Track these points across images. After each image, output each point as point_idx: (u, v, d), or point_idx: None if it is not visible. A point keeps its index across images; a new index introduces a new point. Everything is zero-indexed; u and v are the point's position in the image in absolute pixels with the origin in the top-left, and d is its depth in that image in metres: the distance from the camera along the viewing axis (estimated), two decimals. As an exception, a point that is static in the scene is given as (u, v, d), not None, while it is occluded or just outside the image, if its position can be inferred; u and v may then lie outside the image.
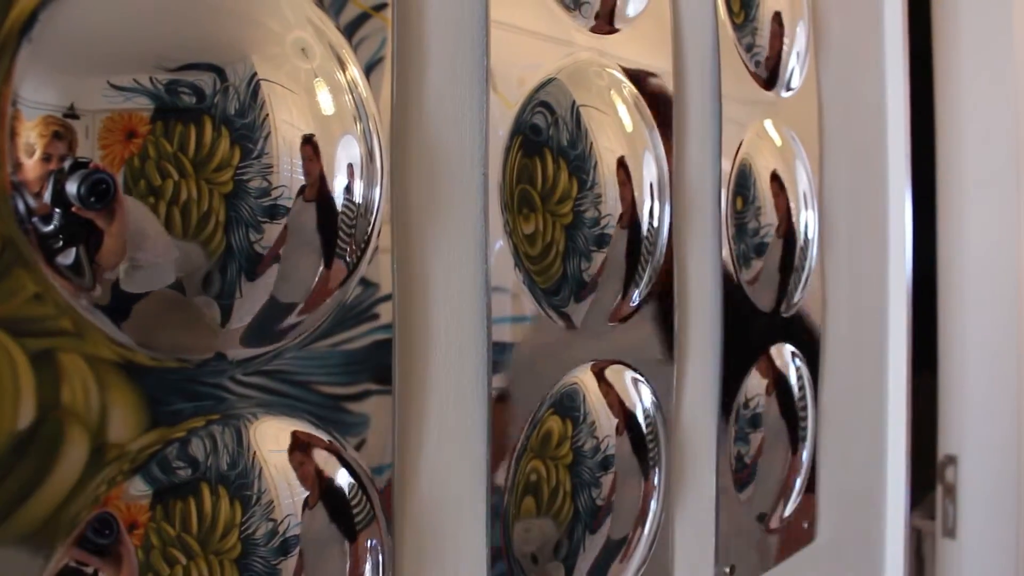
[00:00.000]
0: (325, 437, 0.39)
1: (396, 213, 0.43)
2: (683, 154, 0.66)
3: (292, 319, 0.38)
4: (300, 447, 0.38)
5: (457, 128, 0.48)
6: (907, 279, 1.05)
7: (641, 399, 0.58)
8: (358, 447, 0.41)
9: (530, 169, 0.50)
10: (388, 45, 0.43)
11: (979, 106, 1.43)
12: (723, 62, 0.70)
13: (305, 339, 0.39)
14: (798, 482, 0.80)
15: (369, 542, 0.40)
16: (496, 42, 0.49)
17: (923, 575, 1.50)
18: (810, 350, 0.84)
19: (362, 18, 0.41)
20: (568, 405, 0.53)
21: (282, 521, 0.36)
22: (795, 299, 0.79)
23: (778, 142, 0.76)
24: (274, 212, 0.35)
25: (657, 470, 0.59)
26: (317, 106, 0.37)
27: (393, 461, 0.43)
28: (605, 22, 0.56)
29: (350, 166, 0.38)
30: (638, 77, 0.59)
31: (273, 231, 0.35)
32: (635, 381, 0.58)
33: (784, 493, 0.78)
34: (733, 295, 0.72)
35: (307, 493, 0.38)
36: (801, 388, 0.79)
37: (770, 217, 0.74)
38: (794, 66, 0.80)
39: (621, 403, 0.56)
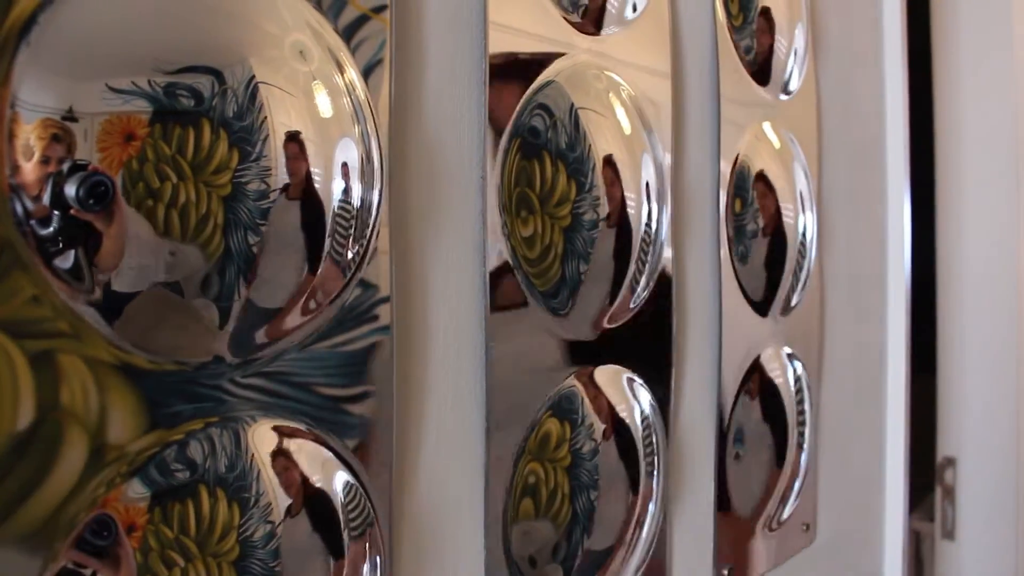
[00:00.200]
0: (324, 439, 0.39)
1: (394, 215, 0.43)
2: (682, 156, 0.66)
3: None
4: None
5: (456, 130, 0.48)
6: (906, 281, 1.05)
7: (640, 401, 0.58)
8: (356, 449, 0.41)
9: (528, 171, 0.50)
10: (387, 47, 0.43)
11: (978, 107, 1.43)
12: (722, 64, 0.70)
13: (304, 341, 0.39)
14: (797, 484, 0.80)
15: (368, 544, 0.40)
16: (495, 44, 0.49)
17: (922, 577, 1.50)
18: (809, 352, 0.84)
19: (361, 20, 0.42)
20: (566, 408, 0.53)
21: (279, 524, 0.36)
22: (793, 301, 0.79)
23: (777, 144, 0.77)
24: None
25: (655, 472, 0.59)
26: (315, 109, 0.37)
27: (392, 463, 0.43)
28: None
29: (349, 168, 0.39)
30: (637, 79, 0.60)
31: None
32: (634, 383, 0.58)
33: (783, 495, 0.78)
34: (732, 297, 0.72)
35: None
36: (800, 390, 0.79)
37: (768, 218, 0.74)
38: (793, 68, 0.80)
39: (611, 407, 0.56)
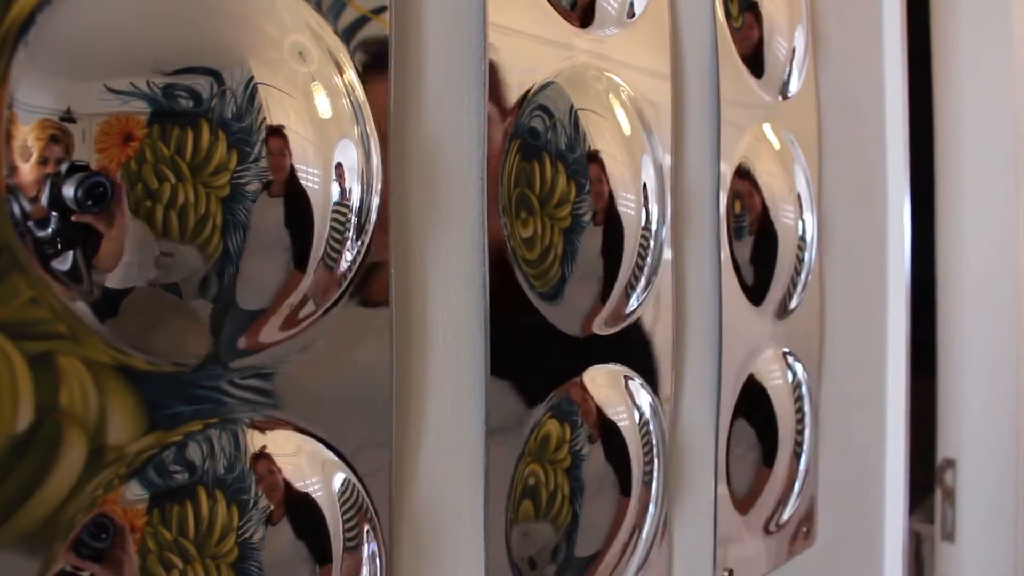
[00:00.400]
0: (324, 440, 0.39)
1: (394, 216, 0.43)
2: (681, 158, 0.66)
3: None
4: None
5: (455, 131, 0.48)
6: (906, 282, 1.05)
7: (639, 402, 0.58)
8: (356, 450, 0.41)
9: (528, 172, 0.50)
10: (388, 48, 0.43)
11: (978, 107, 1.43)
12: (722, 65, 0.70)
13: (303, 342, 0.39)
14: (797, 485, 0.80)
15: (367, 546, 0.40)
16: (494, 46, 0.49)
17: (922, 579, 1.50)
18: (809, 353, 0.84)
19: (361, 21, 0.41)
20: (566, 409, 0.53)
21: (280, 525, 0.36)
22: (793, 302, 0.79)
23: (777, 145, 0.76)
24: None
25: (655, 473, 0.58)
26: (314, 110, 0.37)
27: (392, 464, 0.43)
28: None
29: (348, 169, 0.38)
30: (636, 81, 0.59)
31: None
32: (634, 384, 0.58)
33: (783, 496, 0.78)
34: (732, 298, 0.72)
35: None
36: (800, 391, 0.79)
37: (769, 220, 0.74)
38: (793, 69, 0.80)
39: (612, 408, 0.56)
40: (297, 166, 0.36)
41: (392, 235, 0.43)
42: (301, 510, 0.38)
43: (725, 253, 0.70)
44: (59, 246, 0.30)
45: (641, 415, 0.58)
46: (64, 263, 0.31)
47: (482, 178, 0.48)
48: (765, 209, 0.74)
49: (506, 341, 0.49)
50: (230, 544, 0.35)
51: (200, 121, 0.33)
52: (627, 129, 0.56)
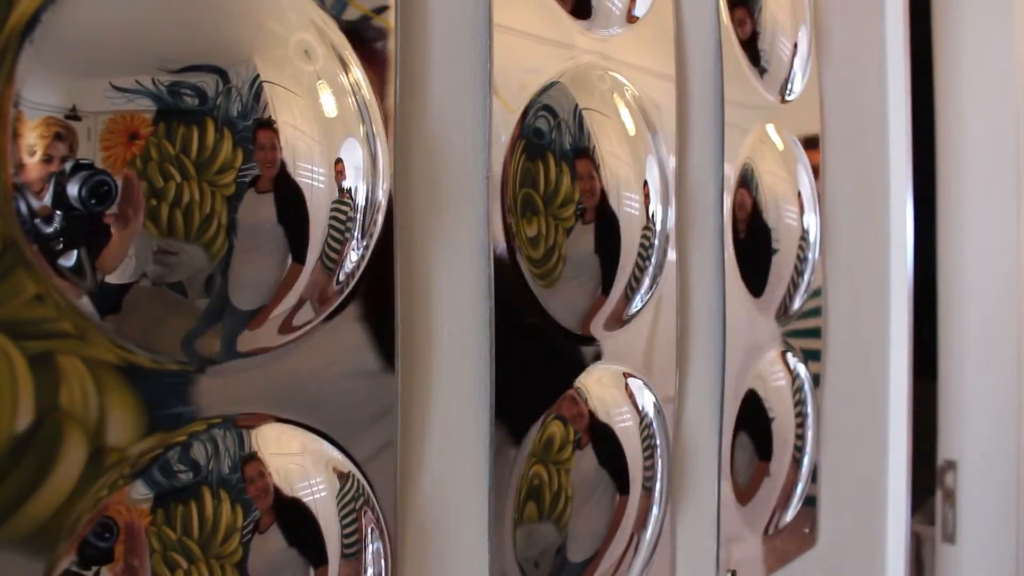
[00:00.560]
0: (329, 439, 0.39)
1: (399, 215, 0.43)
2: (685, 159, 0.66)
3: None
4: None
5: (460, 130, 0.48)
6: (908, 284, 1.05)
7: (643, 402, 0.58)
8: (360, 449, 0.41)
9: (533, 172, 0.50)
10: (390, 48, 0.42)
11: (979, 110, 1.43)
12: (725, 66, 0.70)
13: (308, 340, 0.39)
14: (799, 487, 0.80)
15: (372, 545, 0.40)
16: (499, 46, 0.48)
17: (923, 581, 1.50)
18: (811, 354, 0.84)
19: (363, 21, 0.41)
20: (571, 410, 0.53)
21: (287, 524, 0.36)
22: (797, 303, 0.79)
23: (780, 146, 0.76)
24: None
25: (658, 474, 0.58)
26: (320, 108, 0.37)
27: (397, 465, 0.43)
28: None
29: (354, 168, 0.38)
30: (640, 81, 0.59)
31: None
32: (638, 385, 0.58)
33: (785, 497, 0.78)
34: (736, 299, 0.71)
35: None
36: (803, 392, 0.79)
37: (773, 221, 0.74)
38: (796, 70, 0.80)
39: (613, 408, 0.56)
40: (300, 164, 0.36)
41: (397, 234, 0.43)
42: (304, 510, 0.38)
43: (729, 253, 0.70)
44: (65, 243, 0.30)
45: (645, 415, 0.58)
46: (69, 260, 0.31)
47: (487, 178, 0.48)
48: (768, 210, 0.74)
49: (512, 341, 0.49)
50: (234, 544, 0.35)
51: (206, 119, 0.33)
52: (631, 129, 0.56)
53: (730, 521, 0.71)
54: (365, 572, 0.40)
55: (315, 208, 0.37)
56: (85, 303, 0.31)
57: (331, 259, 0.38)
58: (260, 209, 0.35)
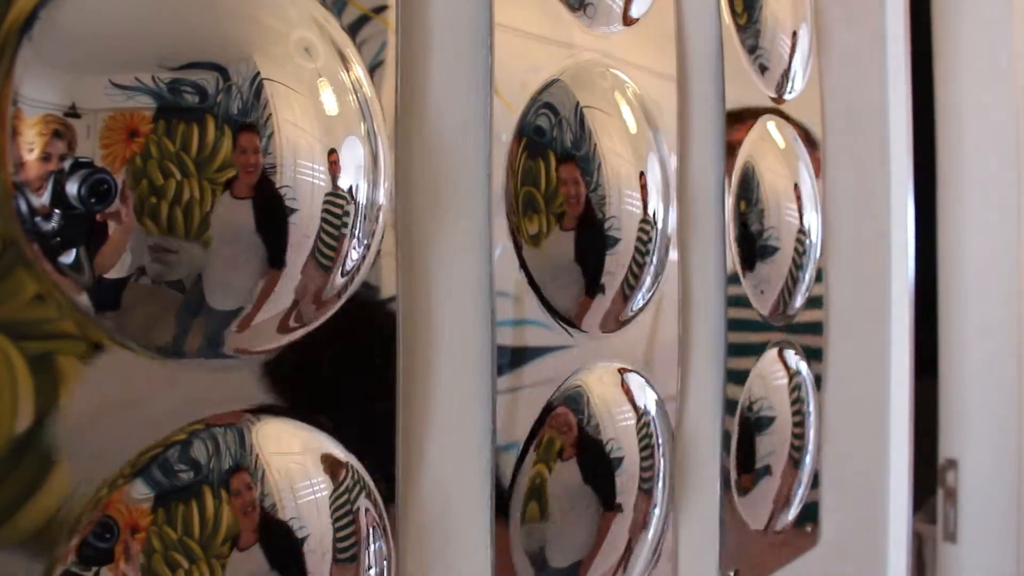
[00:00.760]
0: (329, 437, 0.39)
1: (400, 214, 0.43)
2: (686, 157, 0.66)
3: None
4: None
5: (461, 130, 0.47)
6: (909, 282, 1.04)
7: (645, 401, 0.58)
8: (361, 449, 0.41)
9: (534, 171, 0.50)
10: (390, 48, 0.42)
11: (979, 109, 1.43)
12: (726, 64, 0.70)
13: (308, 339, 0.39)
14: (800, 486, 0.80)
15: (373, 546, 0.40)
16: (500, 45, 0.48)
17: (924, 580, 1.50)
18: (812, 354, 0.84)
19: (362, 20, 0.41)
20: (571, 408, 0.53)
21: (286, 524, 0.36)
22: (798, 302, 0.79)
23: (781, 144, 0.76)
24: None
25: (661, 473, 0.58)
26: (321, 106, 0.37)
27: (396, 465, 0.43)
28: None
29: (355, 166, 0.38)
30: (641, 79, 0.59)
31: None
32: (639, 383, 0.58)
33: (788, 496, 0.78)
34: (737, 297, 0.71)
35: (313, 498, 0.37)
36: (803, 392, 0.79)
37: (774, 219, 0.74)
38: (797, 68, 0.80)
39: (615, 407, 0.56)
40: (300, 162, 0.36)
41: (398, 233, 0.43)
42: (304, 511, 0.37)
43: (730, 252, 0.70)
44: (64, 242, 0.30)
45: (646, 413, 0.57)
46: (70, 259, 0.30)
47: (488, 177, 0.48)
48: (769, 208, 0.74)
49: (513, 339, 0.49)
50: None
51: (206, 117, 0.33)
52: (633, 127, 0.56)
53: (732, 520, 0.71)
54: (368, 571, 0.39)
55: (313, 205, 0.36)
56: (85, 301, 0.31)
57: (326, 256, 0.37)
58: (272, 208, 0.35)
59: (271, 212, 0.35)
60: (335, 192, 0.37)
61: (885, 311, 1.04)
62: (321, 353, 0.40)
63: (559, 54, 0.53)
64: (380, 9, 0.42)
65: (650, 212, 0.56)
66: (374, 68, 0.41)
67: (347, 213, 0.38)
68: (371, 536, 0.40)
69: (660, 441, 0.58)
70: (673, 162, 0.62)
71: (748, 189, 0.72)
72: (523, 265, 0.50)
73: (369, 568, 0.39)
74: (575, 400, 0.53)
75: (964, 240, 1.45)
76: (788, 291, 0.77)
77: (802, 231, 0.77)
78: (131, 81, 0.31)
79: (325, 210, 0.37)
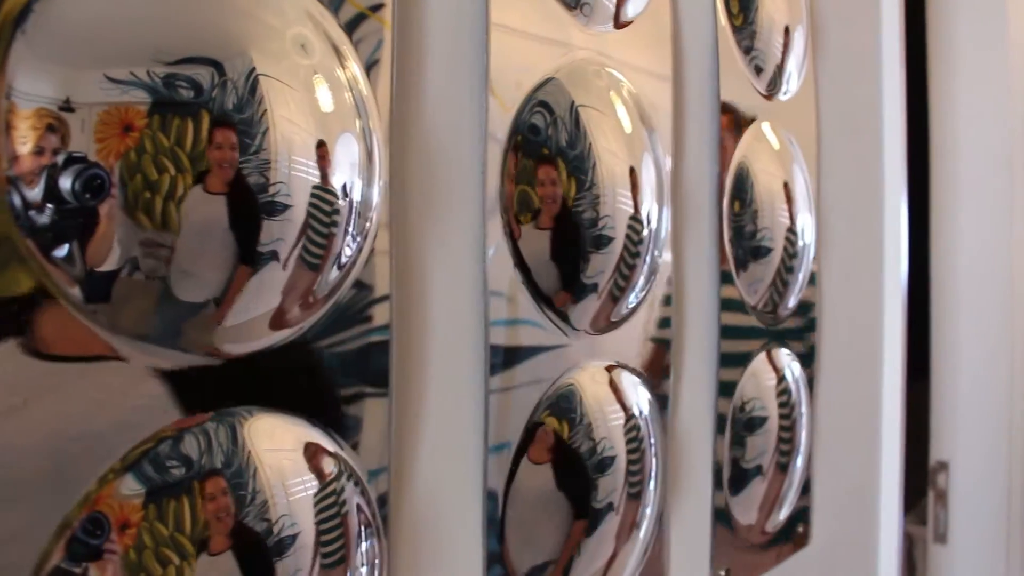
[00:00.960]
0: (323, 435, 0.39)
1: (394, 212, 0.43)
2: (681, 159, 0.66)
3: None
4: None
5: (456, 129, 0.47)
6: (902, 285, 1.05)
7: (638, 401, 0.58)
8: (354, 448, 0.41)
9: (529, 170, 0.50)
10: (386, 47, 0.42)
11: (973, 112, 1.43)
12: (722, 64, 0.70)
13: (301, 337, 0.39)
14: (793, 487, 0.80)
15: (365, 546, 0.40)
16: (495, 44, 0.48)
17: (914, 581, 1.50)
18: (805, 355, 0.84)
19: (358, 19, 0.41)
20: (564, 407, 0.53)
21: (276, 521, 0.36)
22: (791, 303, 0.79)
23: (776, 145, 0.76)
24: (271, 209, 0.35)
25: (652, 473, 0.58)
26: (316, 103, 0.37)
27: (389, 464, 0.43)
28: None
29: (350, 164, 0.38)
30: (636, 79, 0.59)
31: (271, 228, 0.35)
32: (632, 383, 0.58)
33: (779, 497, 0.78)
34: (730, 299, 0.71)
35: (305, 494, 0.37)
36: (795, 393, 0.79)
37: (767, 220, 0.74)
38: (792, 69, 0.80)
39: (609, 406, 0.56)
40: (295, 159, 0.36)
41: (392, 232, 0.43)
42: (296, 508, 0.37)
43: (724, 253, 0.70)
44: (58, 237, 0.30)
45: (639, 413, 0.57)
46: (63, 254, 0.30)
47: (483, 174, 0.48)
48: (763, 209, 0.74)
49: (506, 339, 0.49)
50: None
51: (201, 112, 0.33)
52: (628, 126, 0.56)
53: (724, 520, 0.71)
54: (359, 568, 0.39)
55: (311, 204, 0.36)
56: (78, 296, 0.31)
57: (316, 254, 0.37)
58: (269, 205, 0.34)
59: (265, 208, 0.35)
60: (328, 188, 0.37)
61: (878, 313, 1.04)
62: (315, 351, 0.40)
63: (555, 53, 0.53)
64: (377, 7, 0.42)
65: (644, 211, 0.56)
66: (370, 66, 0.41)
67: (338, 211, 0.38)
68: (362, 534, 0.40)
69: (652, 440, 0.58)
70: (668, 162, 0.62)
71: (742, 190, 0.72)
72: (517, 264, 0.50)
73: (360, 565, 0.39)
74: (567, 399, 0.53)
75: (957, 242, 1.45)
76: (781, 292, 0.77)
77: (795, 232, 0.77)
78: (126, 75, 0.31)
79: (315, 206, 0.37)
